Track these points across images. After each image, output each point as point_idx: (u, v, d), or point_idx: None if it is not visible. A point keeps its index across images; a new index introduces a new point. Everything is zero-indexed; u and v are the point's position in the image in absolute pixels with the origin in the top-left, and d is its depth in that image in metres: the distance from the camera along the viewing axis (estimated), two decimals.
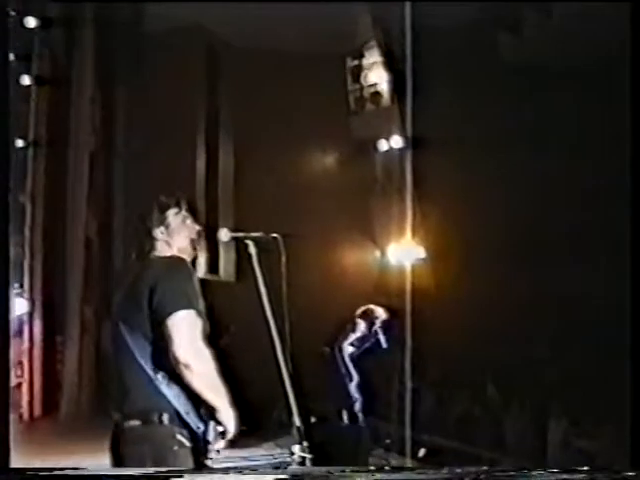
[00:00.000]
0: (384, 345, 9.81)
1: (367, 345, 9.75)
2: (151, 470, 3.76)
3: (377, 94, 12.18)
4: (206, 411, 3.93)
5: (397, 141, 11.67)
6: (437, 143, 10.65)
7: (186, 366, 3.81)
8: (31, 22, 11.14)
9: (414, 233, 10.80)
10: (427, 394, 10.65)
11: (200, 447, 3.92)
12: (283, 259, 4.22)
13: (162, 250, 4.14)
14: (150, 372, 3.88)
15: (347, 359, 9.62)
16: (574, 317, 10.41)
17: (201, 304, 4.02)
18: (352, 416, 9.53)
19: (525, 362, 10.61)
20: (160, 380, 3.86)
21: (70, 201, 11.97)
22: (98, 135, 12.17)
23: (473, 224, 10.86)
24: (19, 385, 11.18)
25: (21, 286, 11.50)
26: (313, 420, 8.14)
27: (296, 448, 3.87)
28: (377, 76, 12.15)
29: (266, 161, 11.97)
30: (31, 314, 11.49)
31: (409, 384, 9.50)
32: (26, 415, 11.24)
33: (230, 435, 3.99)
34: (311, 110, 11.50)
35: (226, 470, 3.87)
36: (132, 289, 4.08)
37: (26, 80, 11.46)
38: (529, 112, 10.83)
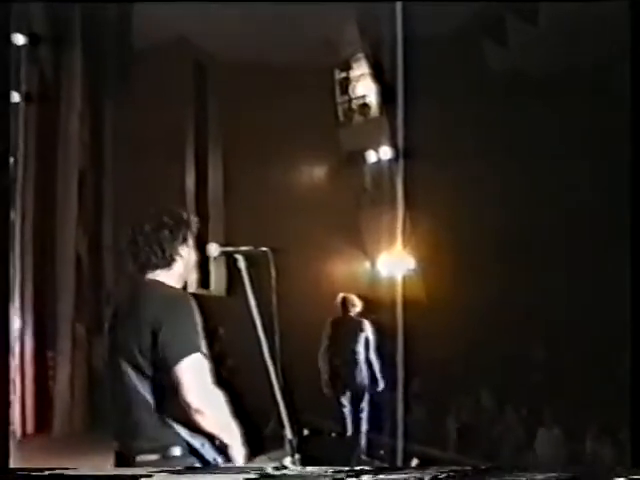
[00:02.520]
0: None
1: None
2: (142, 471, 3.74)
3: (365, 106, 12.23)
4: (221, 442, 3.89)
5: (386, 152, 11.71)
6: (426, 153, 10.68)
7: (198, 411, 3.73)
8: (19, 39, 11.11)
9: (404, 244, 10.81)
10: (420, 405, 10.64)
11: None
12: (273, 273, 4.18)
13: (176, 271, 4.00)
14: (158, 411, 3.80)
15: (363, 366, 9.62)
16: (569, 324, 10.43)
17: (204, 342, 3.91)
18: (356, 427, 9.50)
19: (520, 370, 10.62)
20: (170, 420, 3.78)
21: (60, 217, 11.94)
22: (87, 151, 12.16)
23: (464, 233, 10.86)
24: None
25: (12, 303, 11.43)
26: (306, 432, 8.15)
27: (287, 461, 3.84)
28: (365, 88, 12.20)
29: (255, 174, 11.98)
30: (22, 331, 11.42)
31: (401, 395, 9.49)
32: (19, 432, 11.15)
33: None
34: (300, 123, 11.52)
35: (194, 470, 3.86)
36: (133, 320, 3.89)
37: (15, 97, 11.43)
38: (519, 121, 10.87)
